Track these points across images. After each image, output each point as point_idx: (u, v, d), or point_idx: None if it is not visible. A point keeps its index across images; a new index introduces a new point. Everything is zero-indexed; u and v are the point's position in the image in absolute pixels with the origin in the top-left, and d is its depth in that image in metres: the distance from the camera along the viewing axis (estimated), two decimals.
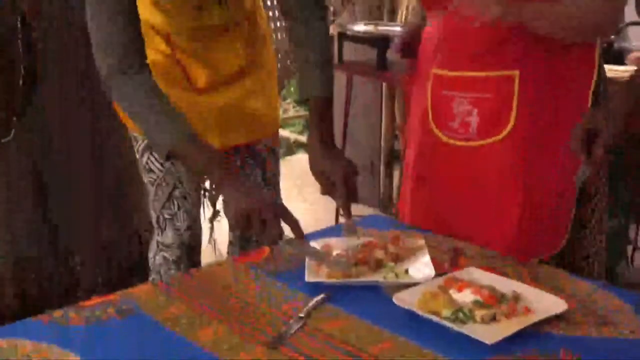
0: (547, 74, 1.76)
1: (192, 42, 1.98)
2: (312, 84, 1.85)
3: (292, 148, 5.97)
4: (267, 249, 1.78)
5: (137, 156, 2.10)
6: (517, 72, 1.74)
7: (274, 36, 4.24)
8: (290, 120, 6.44)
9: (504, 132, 1.77)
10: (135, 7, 1.69)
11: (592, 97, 1.79)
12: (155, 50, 1.97)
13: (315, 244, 1.73)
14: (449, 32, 1.81)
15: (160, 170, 2.06)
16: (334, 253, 1.66)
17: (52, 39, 2.63)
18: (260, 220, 1.58)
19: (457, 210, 1.86)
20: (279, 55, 4.28)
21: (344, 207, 1.75)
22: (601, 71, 1.81)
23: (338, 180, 1.74)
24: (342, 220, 1.79)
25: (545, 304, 1.42)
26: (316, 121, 1.83)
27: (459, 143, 1.83)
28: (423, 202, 1.94)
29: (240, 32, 2.04)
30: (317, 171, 1.79)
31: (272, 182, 2.21)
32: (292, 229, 1.64)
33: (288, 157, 5.78)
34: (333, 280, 1.56)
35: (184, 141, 1.67)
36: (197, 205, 2.16)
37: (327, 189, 1.78)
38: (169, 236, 2.11)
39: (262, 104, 2.13)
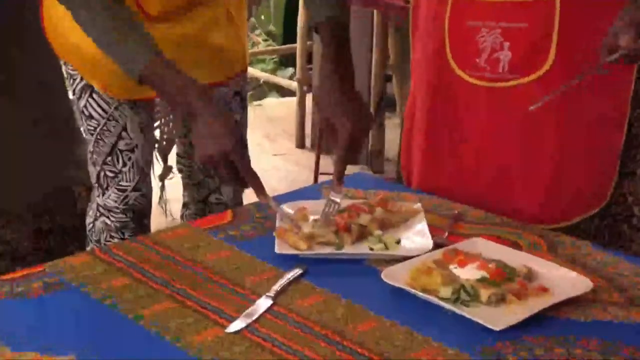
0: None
1: None
2: (323, 4, 1.81)
3: (263, 90, 5.94)
4: (230, 212, 1.77)
5: (74, 98, 2.08)
6: None
7: None
8: (260, 56, 6.38)
9: (542, 70, 1.76)
10: None
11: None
12: None
13: (288, 208, 1.72)
14: None
15: (102, 117, 2.04)
16: (311, 219, 1.66)
17: None
18: (224, 164, 1.62)
19: (481, 167, 1.86)
20: None
21: (338, 172, 1.70)
22: None
23: (343, 136, 1.68)
24: (322, 178, 1.77)
25: (564, 282, 1.42)
26: (331, 51, 1.77)
27: (485, 84, 1.81)
28: (437, 158, 1.94)
29: None
30: (325, 117, 1.73)
31: None
32: (251, 183, 1.65)
33: (258, 102, 5.76)
34: (308, 252, 1.55)
35: (160, 63, 1.69)
36: (148, 159, 2.14)
37: (329, 140, 1.73)
38: (111, 198, 2.09)
39: (227, 38, 2.10)
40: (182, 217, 2.36)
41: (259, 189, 1.66)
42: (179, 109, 1.70)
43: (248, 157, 1.69)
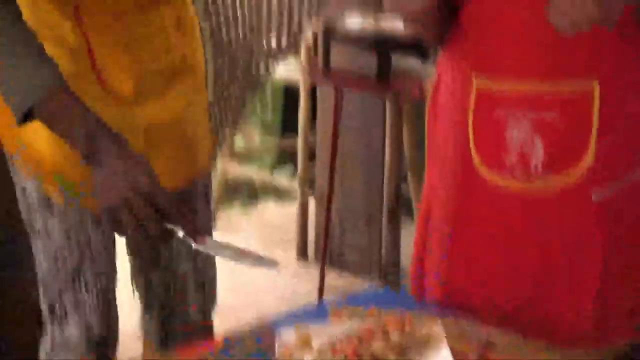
0: (636, 84, 1.80)
1: (108, 19, 1.95)
2: None
3: (256, 192, 5.94)
4: (220, 338, 1.77)
5: (25, 217, 2.08)
6: (595, 83, 1.77)
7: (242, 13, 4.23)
8: (256, 153, 6.40)
9: (580, 168, 1.79)
10: None
11: None
12: (58, 41, 1.92)
13: (288, 331, 1.73)
14: (493, 27, 1.83)
15: (63, 237, 2.03)
16: (315, 344, 1.66)
17: None
18: (141, 205, 1.63)
19: (511, 284, 1.88)
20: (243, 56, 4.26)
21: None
22: None
23: None
24: (328, 295, 1.78)
25: None
26: None
27: (516, 184, 1.84)
28: (459, 272, 1.95)
29: (171, 10, 2.04)
30: None
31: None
32: (183, 220, 1.67)
33: (252, 207, 5.75)
34: None
35: (65, 94, 1.71)
36: (113, 278, 2.13)
37: None
38: (72, 331, 2.07)
39: (198, 124, 2.14)
40: (144, 334, 2.31)
41: (191, 226, 1.67)
42: (81, 149, 1.71)
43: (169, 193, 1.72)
